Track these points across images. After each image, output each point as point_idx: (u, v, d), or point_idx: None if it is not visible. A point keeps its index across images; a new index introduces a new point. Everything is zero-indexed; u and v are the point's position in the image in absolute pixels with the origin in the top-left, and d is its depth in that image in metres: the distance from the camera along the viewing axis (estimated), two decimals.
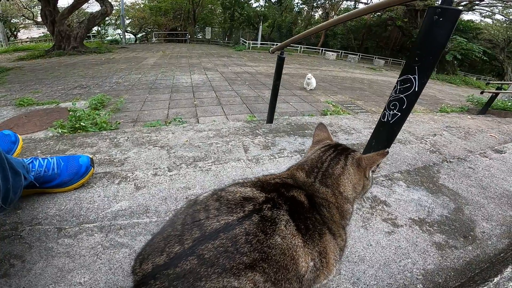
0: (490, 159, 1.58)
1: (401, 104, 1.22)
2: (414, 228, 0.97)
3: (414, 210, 1.07)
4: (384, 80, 11.57)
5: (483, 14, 21.86)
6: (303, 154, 1.46)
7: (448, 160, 1.52)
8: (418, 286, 0.76)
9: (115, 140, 2.18)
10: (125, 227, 0.81)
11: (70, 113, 3.09)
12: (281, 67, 2.41)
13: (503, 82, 7.11)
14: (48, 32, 14.12)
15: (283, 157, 1.37)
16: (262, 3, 24.82)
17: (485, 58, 19.69)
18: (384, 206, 1.05)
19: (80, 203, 0.93)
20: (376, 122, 1.35)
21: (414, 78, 1.17)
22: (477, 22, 23.99)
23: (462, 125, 3.60)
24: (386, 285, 0.75)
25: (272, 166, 1.26)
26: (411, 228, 0.97)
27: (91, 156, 1.06)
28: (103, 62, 9.48)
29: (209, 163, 1.22)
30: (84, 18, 14.45)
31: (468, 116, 4.84)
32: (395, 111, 1.24)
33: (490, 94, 5.21)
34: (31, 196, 0.96)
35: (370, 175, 0.61)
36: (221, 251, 0.39)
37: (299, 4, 29.34)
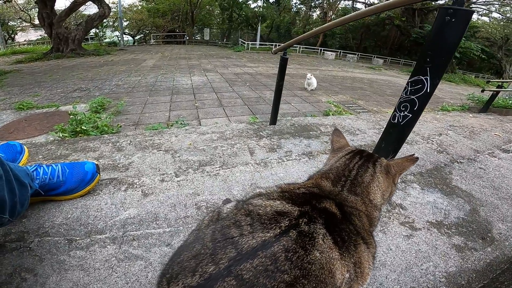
0: (499, 159, 1.56)
1: (412, 106, 1.19)
2: (433, 231, 0.96)
3: (431, 212, 1.05)
4: (384, 79, 11.57)
5: (480, 13, 21.94)
6: (311, 157, 1.43)
7: (458, 160, 1.50)
8: None
9: (118, 144, 2.15)
10: (138, 238, 0.78)
11: (71, 116, 3.06)
12: (284, 67, 2.38)
13: (503, 80, 7.13)
14: (45, 35, 14.08)
15: (291, 160, 1.35)
16: (260, 3, 24.76)
17: (483, 56, 19.74)
18: (401, 210, 1.03)
19: (87, 211, 0.90)
20: (380, 122, 1.33)
21: (426, 79, 1.14)
22: (474, 20, 24.06)
23: (465, 124, 3.58)
24: None
25: (281, 170, 1.24)
26: (430, 231, 0.96)
27: (96, 162, 1.04)
28: (102, 64, 9.45)
29: (216, 167, 1.19)
30: (81, 20, 14.42)
31: (470, 115, 4.82)
32: (405, 113, 1.22)
33: (491, 93, 5.21)
34: (36, 204, 0.93)
35: (398, 181, 0.59)
36: (260, 271, 0.37)
37: (297, 4, 29.38)
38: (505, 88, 5.84)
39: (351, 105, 5.70)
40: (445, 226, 0.99)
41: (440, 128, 3.06)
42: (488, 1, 19.48)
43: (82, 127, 2.82)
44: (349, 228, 0.48)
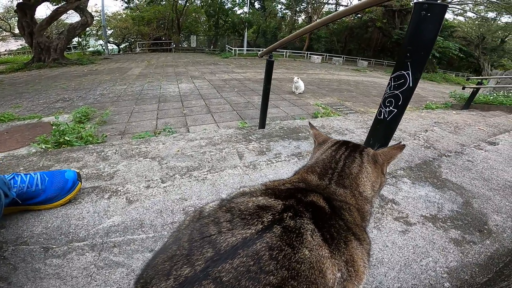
0: (485, 151, 1.59)
1: (397, 101, 1.21)
2: (428, 226, 0.95)
3: (424, 206, 1.05)
4: (369, 81, 11.84)
5: (455, 12, 22.81)
6: (300, 157, 1.42)
7: (445, 154, 1.52)
8: (445, 284, 0.73)
9: (103, 153, 2.08)
10: (120, 244, 0.74)
11: (54, 127, 2.95)
12: (271, 71, 2.39)
13: (482, 77, 7.41)
14: (26, 44, 13.70)
15: (280, 161, 1.33)
16: (246, 9, 24.99)
17: (461, 55, 20.52)
18: (393, 205, 1.02)
19: (68, 220, 0.85)
20: (367, 122, 1.34)
21: (408, 73, 1.16)
22: (451, 20, 25.04)
23: (449, 120, 3.68)
24: (412, 286, 0.72)
25: (270, 171, 1.22)
26: (425, 225, 0.95)
27: (77, 171, 0.99)
28: (86, 74, 9.24)
29: (204, 172, 1.16)
30: (63, 29, 14.13)
31: (453, 112, 4.98)
32: (391, 108, 1.23)
33: (472, 90, 5.40)
34: (15, 214, 0.88)
35: (387, 171, 0.58)
36: (242, 272, 0.33)
37: (282, 9, 29.86)
38: (485, 85, 6.07)
39: (338, 107, 5.78)
40: (440, 220, 0.99)
41: (425, 125, 3.13)
42: (462, 1, 20.25)
43: (66, 137, 2.73)
44: (339, 224, 0.45)
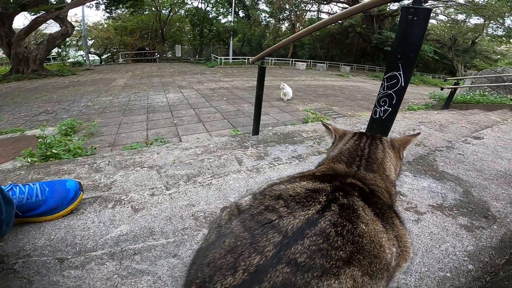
0: (473, 145, 1.69)
1: (391, 100, 1.26)
2: (437, 214, 1.00)
3: (429, 197, 1.11)
4: (353, 85, 12.20)
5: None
6: (301, 159, 1.44)
7: (438, 149, 1.59)
8: (469, 267, 0.78)
9: (95, 165, 2.03)
10: (140, 251, 0.72)
11: (40, 140, 2.84)
12: (263, 77, 2.43)
13: (458, 77, 7.81)
14: (4, 55, 13.18)
15: (282, 164, 1.35)
16: (230, 18, 25.30)
17: (436, 57, 21.54)
18: (401, 196, 1.07)
19: (72, 231, 0.82)
20: (356, 125, 1.39)
21: (400, 74, 1.22)
22: None
23: (432, 119, 3.85)
24: (438, 269, 0.76)
25: (274, 174, 1.23)
26: (434, 214, 1.00)
27: (78, 180, 0.96)
28: (68, 85, 8.98)
29: (208, 177, 1.15)
30: (42, 39, 13.71)
31: (435, 112, 5.21)
32: (385, 107, 1.29)
33: (450, 90, 5.68)
34: (14, 226, 0.84)
35: (404, 155, 0.62)
36: (314, 251, 0.33)
37: (266, 17, 30.46)
38: (461, 85, 6.41)
39: (327, 111, 5.90)
40: (447, 208, 1.05)
41: (411, 125, 3.26)
42: (433, 4, 21.33)
43: (53, 150, 2.63)
44: (381, 201, 0.47)
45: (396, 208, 0.98)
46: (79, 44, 22.18)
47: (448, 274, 0.74)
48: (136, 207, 0.94)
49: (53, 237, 0.79)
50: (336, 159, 0.59)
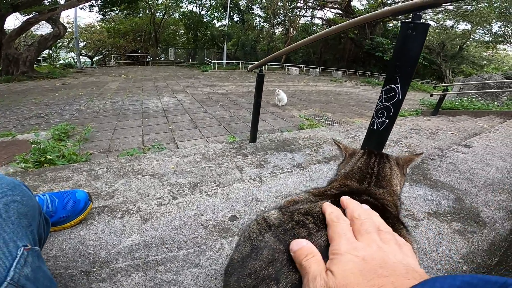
0: (463, 153, 1.77)
1: (388, 112, 1.32)
2: (433, 220, 1.07)
3: (425, 204, 1.18)
4: (346, 91, 12.41)
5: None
6: (301, 168, 1.48)
7: (430, 158, 1.66)
8: (464, 267, 0.84)
9: (93, 172, 2.01)
10: (163, 262, 0.74)
11: (33, 145, 2.79)
12: (261, 84, 2.47)
13: (447, 84, 8.07)
14: None
15: (284, 173, 1.38)
16: (225, 22, 25.41)
17: (425, 63, 22.06)
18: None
19: (83, 241, 0.83)
20: (350, 132, 1.45)
21: (397, 87, 1.28)
22: None
23: (423, 126, 3.97)
24: (437, 271, 0.82)
25: (277, 183, 1.26)
26: (430, 220, 1.07)
27: (87, 191, 0.97)
28: (59, 88, 8.83)
29: (213, 187, 1.18)
30: (33, 40, 13.44)
31: (424, 118, 5.36)
32: (383, 119, 1.34)
33: (439, 96, 5.86)
34: None
35: (407, 171, 0.68)
36: None
37: (260, 22, 30.75)
38: (450, 91, 6.63)
39: (321, 118, 6.00)
40: (441, 215, 1.12)
41: (404, 132, 3.36)
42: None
43: (47, 156, 2.59)
44: (391, 216, 0.53)
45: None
46: (70, 45, 21.83)
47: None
48: (145, 216, 0.96)
49: (64, 247, 0.80)
50: (348, 176, 0.64)
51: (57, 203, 0.87)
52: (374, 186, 0.60)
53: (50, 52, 17.33)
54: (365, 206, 0.44)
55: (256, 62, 2.53)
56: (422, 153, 0.69)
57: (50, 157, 2.61)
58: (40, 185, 1.80)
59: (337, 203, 0.49)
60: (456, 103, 6.21)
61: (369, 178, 0.62)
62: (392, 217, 0.53)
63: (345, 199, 0.45)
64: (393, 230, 0.48)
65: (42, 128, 4.33)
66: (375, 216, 0.41)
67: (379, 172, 0.63)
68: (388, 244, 0.34)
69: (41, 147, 2.75)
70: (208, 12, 25.98)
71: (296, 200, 0.55)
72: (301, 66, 24.17)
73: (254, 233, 0.47)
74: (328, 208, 0.42)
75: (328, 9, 25.13)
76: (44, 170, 2.24)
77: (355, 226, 0.38)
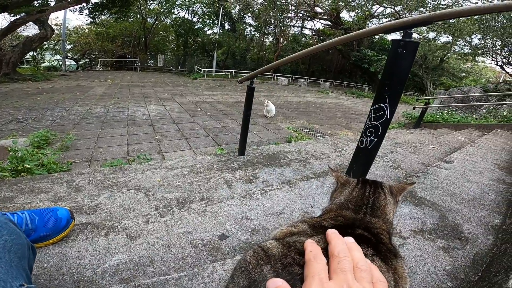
0: (445, 169, 1.83)
1: (377, 131, 1.35)
2: (419, 238, 1.09)
3: (411, 222, 1.21)
4: (332, 103, 12.71)
5: (398, 32, 25.49)
6: (291, 185, 1.48)
7: (415, 175, 1.71)
8: (449, 284, 0.86)
9: (74, 183, 1.93)
10: (154, 286, 0.70)
11: (11, 153, 2.65)
12: (251, 97, 2.48)
13: (429, 97, 8.43)
14: None
15: (273, 190, 1.38)
16: (216, 30, 25.60)
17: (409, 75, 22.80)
18: None
19: (66, 260, 0.79)
20: (337, 145, 1.47)
21: (386, 106, 1.30)
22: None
23: (406, 140, 4.10)
24: None
25: (267, 200, 1.25)
26: (416, 238, 1.09)
27: (69, 208, 0.92)
28: (41, 92, 8.50)
29: (202, 204, 1.15)
30: (18, 41, 12.97)
31: (407, 131, 5.54)
32: (371, 138, 1.37)
33: (421, 109, 6.10)
34: None
35: (400, 199, 0.70)
36: None
37: (251, 31, 31.23)
38: (431, 105, 6.92)
39: (309, 130, 6.07)
40: (426, 232, 1.15)
41: (388, 146, 3.45)
42: None
43: (25, 165, 2.46)
44: (384, 247, 0.54)
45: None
46: (56, 48, 21.19)
47: None
48: (132, 234, 0.92)
49: (46, 265, 0.75)
50: (343, 206, 0.65)
51: (37, 221, 0.82)
52: (370, 216, 0.61)
53: (35, 54, 16.75)
54: (350, 239, 0.45)
55: (247, 74, 2.53)
56: (414, 183, 0.72)
57: (28, 166, 2.49)
58: (16, 196, 1.70)
59: (344, 234, 0.50)
60: (437, 116, 6.48)
61: (364, 208, 0.63)
62: (385, 249, 0.53)
63: (330, 234, 0.45)
64: (385, 262, 0.50)
65: (21, 134, 4.14)
66: (356, 252, 0.41)
67: (374, 202, 0.64)
68: (360, 283, 0.35)
69: (19, 155, 2.62)
70: (200, 20, 26.16)
71: (293, 232, 0.55)
72: (289, 76, 24.59)
73: (251, 264, 0.46)
74: (309, 246, 0.42)
75: (318, 20, 25.87)
76: (21, 179, 2.13)
77: (332, 264, 0.38)
